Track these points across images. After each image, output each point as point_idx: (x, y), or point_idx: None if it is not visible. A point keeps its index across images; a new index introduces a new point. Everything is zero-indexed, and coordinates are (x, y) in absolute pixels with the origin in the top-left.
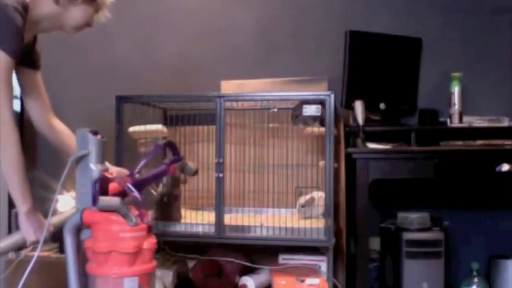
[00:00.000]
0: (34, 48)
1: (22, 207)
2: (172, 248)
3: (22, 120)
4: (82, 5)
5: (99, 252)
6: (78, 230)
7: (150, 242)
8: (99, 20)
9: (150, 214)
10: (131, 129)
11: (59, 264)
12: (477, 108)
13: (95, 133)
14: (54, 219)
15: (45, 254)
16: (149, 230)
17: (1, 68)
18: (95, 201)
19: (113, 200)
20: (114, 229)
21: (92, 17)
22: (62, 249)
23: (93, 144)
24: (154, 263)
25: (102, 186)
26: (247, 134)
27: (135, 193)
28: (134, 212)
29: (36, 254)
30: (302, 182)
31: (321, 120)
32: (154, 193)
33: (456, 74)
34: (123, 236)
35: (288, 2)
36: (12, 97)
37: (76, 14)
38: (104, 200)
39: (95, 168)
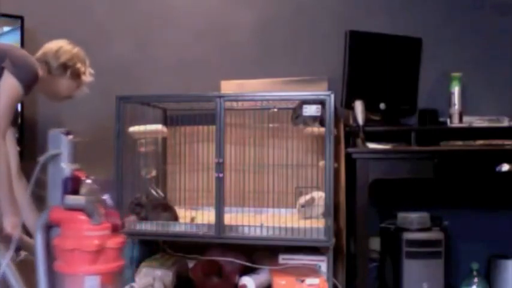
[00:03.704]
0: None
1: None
2: (172, 248)
3: (22, 119)
4: (69, 79)
5: (64, 249)
6: (49, 228)
7: (115, 241)
8: (77, 95)
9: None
10: (131, 129)
11: None
12: (477, 108)
13: (67, 133)
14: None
15: None
16: (116, 229)
17: (13, 95)
18: None
19: (79, 199)
20: (76, 227)
21: (73, 91)
22: None
23: (65, 144)
24: (120, 262)
25: (73, 185)
26: (247, 134)
27: (105, 196)
28: (102, 211)
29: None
30: (302, 182)
31: (321, 120)
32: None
33: (456, 74)
34: (85, 234)
35: (288, 2)
36: (9, 121)
37: (62, 85)
38: (70, 198)
39: (66, 167)
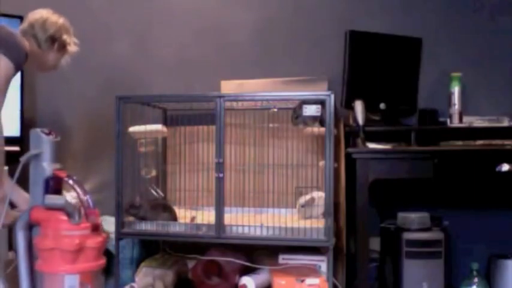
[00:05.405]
0: None
1: None
2: (172, 248)
3: (22, 119)
4: (56, 52)
5: (43, 249)
6: (31, 227)
7: (95, 241)
8: (61, 65)
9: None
10: (131, 129)
11: None
12: (477, 108)
13: (49, 133)
14: (15, 213)
15: None
16: (95, 229)
17: (5, 74)
18: None
19: (58, 199)
20: (56, 227)
21: (59, 61)
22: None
23: (46, 143)
24: (100, 261)
25: (54, 185)
26: (247, 134)
27: (86, 197)
28: (81, 211)
29: None
30: (302, 182)
31: (321, 120)
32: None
33: (456, 74)
34: (64, 233)
35: (288, 2)
36: (4, 99)
37: (50, 57)
38: (49, 198)
39: (47, 167)
